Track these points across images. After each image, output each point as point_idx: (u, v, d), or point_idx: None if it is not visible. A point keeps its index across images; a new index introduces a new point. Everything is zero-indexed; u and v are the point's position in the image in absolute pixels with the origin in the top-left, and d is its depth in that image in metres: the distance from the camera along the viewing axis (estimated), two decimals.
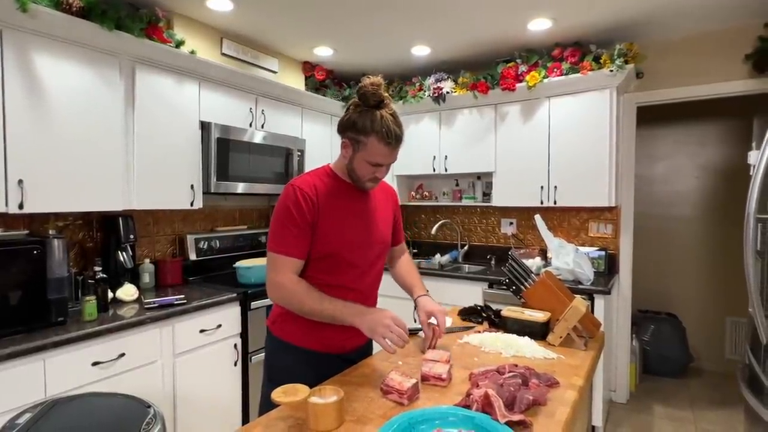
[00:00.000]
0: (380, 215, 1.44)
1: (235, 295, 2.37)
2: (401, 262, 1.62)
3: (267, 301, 2.47)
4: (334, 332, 1.33)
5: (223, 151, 2.60)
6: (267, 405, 1.22)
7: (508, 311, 1.60)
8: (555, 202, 3.03)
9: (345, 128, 1.28)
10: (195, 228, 2.92)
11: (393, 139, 1.24)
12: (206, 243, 2.84)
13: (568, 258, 2.74)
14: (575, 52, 2.90)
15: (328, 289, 1.30)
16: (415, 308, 1.46)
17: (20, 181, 1.82)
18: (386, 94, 1.26)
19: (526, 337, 1.49)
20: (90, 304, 1.90)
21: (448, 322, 1.75)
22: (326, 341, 1.35)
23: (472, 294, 3.00)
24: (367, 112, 1.24)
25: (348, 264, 1.33)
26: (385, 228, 1.46)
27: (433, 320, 1.38)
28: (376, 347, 1.38)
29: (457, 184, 3.75)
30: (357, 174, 1.31)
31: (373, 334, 1.19)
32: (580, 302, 1.48)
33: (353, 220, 1.35)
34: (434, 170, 3.54)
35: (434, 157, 3.53)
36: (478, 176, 3.58)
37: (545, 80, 2.96)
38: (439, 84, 3.36)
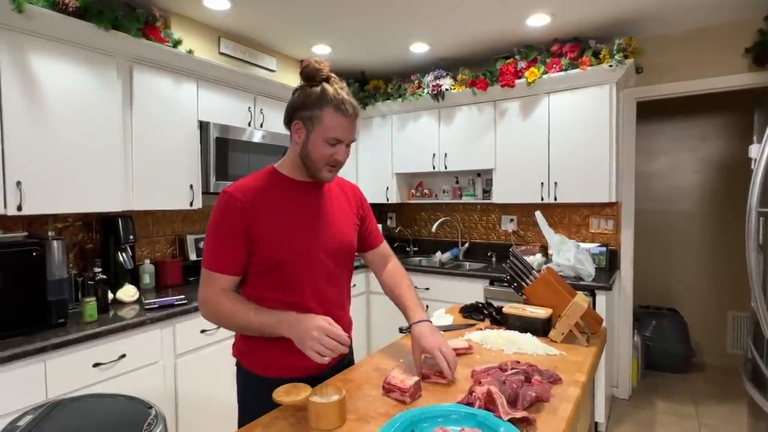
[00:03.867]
0: (340, 216, 1.28)
1: None
2: (389, 272, 1.41)
3: None
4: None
5: (222, 151, 2.59)
6: None
7: (510, 308, 1.60)
8: (555, 199, 3.02)
9: (294, 110, 1.16)
10: (195, 228, 2.92)
11: (350, 106, 1.13)
12: None
13: (569, 254, 2.73)
14: (574, 48, 2.89)
15: (283, 307, 1.12)
16: (407, 331, 1.27)
17: (18, 183, 1.81)
18: (332, 74, 1.16)
19: (528, 334, 1.48)
20: (90, 305, 1.90)
21: (449, 320, 1.74)
22: (301, 363, 1.12)
23: (474, 291, 2.99)
24: (315, 87, 1.14)
25: (301, 276, 1.16)
26: (348, 230, 1.29)
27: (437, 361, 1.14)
28: (374, 348, 1.32)
29: (457, 182, 3.74)
30: (313, 159, 1.16)
31: (303, 347, 1.03)
32: (581, 298, 1.47)
33: (303, 222, 1.18)
34: (434, 168, 3.53)
35: (434, 154, 3.52)
36: (478, 173, 3.57)
37: (544, 76, 2.94)
38: (437, 81, 3.35)
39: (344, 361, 1.33)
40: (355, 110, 1.16)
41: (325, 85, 1.14)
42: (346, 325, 1.31)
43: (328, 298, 1.22)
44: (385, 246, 1.47)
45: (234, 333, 1.26)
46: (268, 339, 1.15)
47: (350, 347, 1.38)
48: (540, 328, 1.51)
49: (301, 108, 1.15)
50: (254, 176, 1.21)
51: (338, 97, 1.12)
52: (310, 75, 1.15)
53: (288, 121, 1.20)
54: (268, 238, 1.14)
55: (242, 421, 1.20)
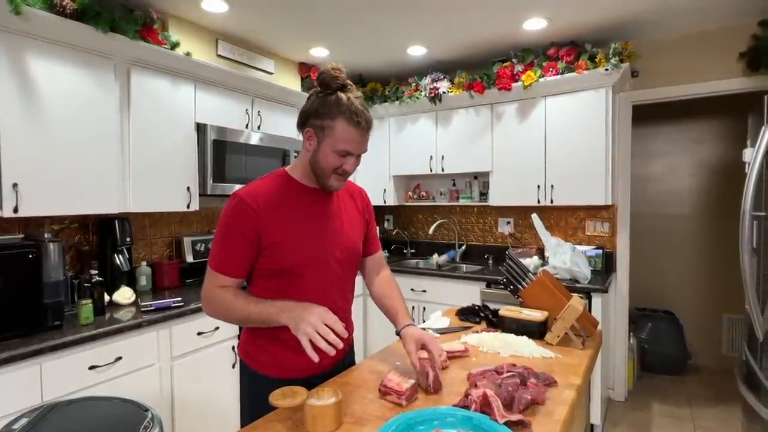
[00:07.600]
0: (349, 222, 1.28)
1: None
2: (381, 281, 1.41)
3: None
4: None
5: (220, 153, 2.59)
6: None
7: (506, 311, 1.60)
8: (552, 201, 3.03)
9: (307, 117, 1.15)
10: (192, 230, 2.92)
11: (362, 119, 1.11)
12: (203, 245, 2.83)
13: (566, 257, 2.74)
14: (571, 52, 2.90)
15: None
16: (399, 338, 1.27)
17: (15, 185, 1.81)
18: (349, 81, 1.15)
19: (524, 337, 1.49)
20: (86, 307, 1.89)
21: (446, 322, 1.75)
22: (304, 363, 1.09)
23: (470, 294, 3.00)
24: (330, 95, 1.12)
25: (307, 279, 1.17)
26: (354, 234, 1.29)
27: (424, 353, 1.17)
28: (371, 350, 1.33)
29: (454, 184, 3.75)
30: (321, 167, 1.15)
31: (296, 330, 1.04)
32: (577, 301, 1.48)
33: (310, 228, 1.19)
34: (431, 170, 3.53)
35: (431, 157, 3.53)
36: (475, 176, 3.58)
37: (541, 80, 2.96)
38: (435, 84, 3.36)
39: (346, 362, 1.34)
40: (368, 123, 1.14)
41: (340, 94, 1.12)
42: (349, 330, 1.32)
43: (335, 303, 1.22)
44: (381, 254, 1.48)
45: (239, 334, 1.27)
46: (275, 339, 1.18)
47: (351, 348, 1.41)
48: (536, 331, 1.51)
49: (314, 116, 1.14)
50: (266, 180, 1.21)
51: (351, 109, 1.10)
52: (326, 82, 1.13)
53: (300, 126, 1.19)
54: (281, 243, 1.14)
55: (246, 422, 1.19)
